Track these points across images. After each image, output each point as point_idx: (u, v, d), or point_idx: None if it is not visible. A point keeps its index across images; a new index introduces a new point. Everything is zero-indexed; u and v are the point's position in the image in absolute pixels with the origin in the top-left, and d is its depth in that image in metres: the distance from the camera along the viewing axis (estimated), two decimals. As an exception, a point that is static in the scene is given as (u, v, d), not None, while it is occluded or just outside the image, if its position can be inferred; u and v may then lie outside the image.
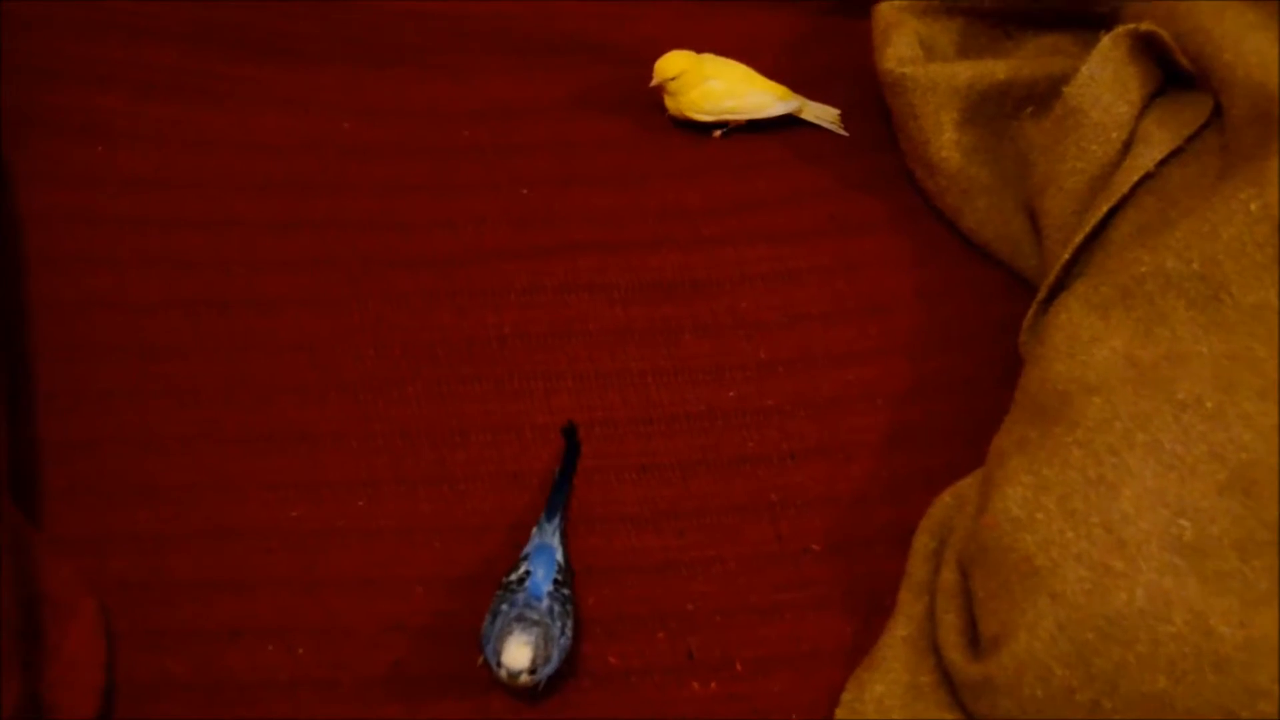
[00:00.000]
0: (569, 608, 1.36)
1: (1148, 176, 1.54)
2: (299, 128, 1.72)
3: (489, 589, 1.38)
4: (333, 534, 1.45)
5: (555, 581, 1.36)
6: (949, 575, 1.39)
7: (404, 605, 1.41)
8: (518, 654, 1.31)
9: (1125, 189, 1.53)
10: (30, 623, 1.32)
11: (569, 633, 1.35)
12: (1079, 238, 1.53)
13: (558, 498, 1.44)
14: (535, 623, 1.32)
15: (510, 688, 1.35)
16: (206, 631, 1.39)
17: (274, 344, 1.56)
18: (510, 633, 1.31)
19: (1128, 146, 1.57)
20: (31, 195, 1.63)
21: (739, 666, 1.40)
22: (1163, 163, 1.55)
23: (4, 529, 1.31)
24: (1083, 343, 1.44)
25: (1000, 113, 1.67)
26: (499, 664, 1.31)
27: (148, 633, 1.38)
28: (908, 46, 1.69)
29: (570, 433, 1.47)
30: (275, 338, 1.56)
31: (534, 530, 1.41)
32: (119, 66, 1.74)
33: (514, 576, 1.37)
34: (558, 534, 1.41)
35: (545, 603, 1.35)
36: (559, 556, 1.39)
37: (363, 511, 1.46)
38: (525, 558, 1.38)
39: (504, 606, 1.34)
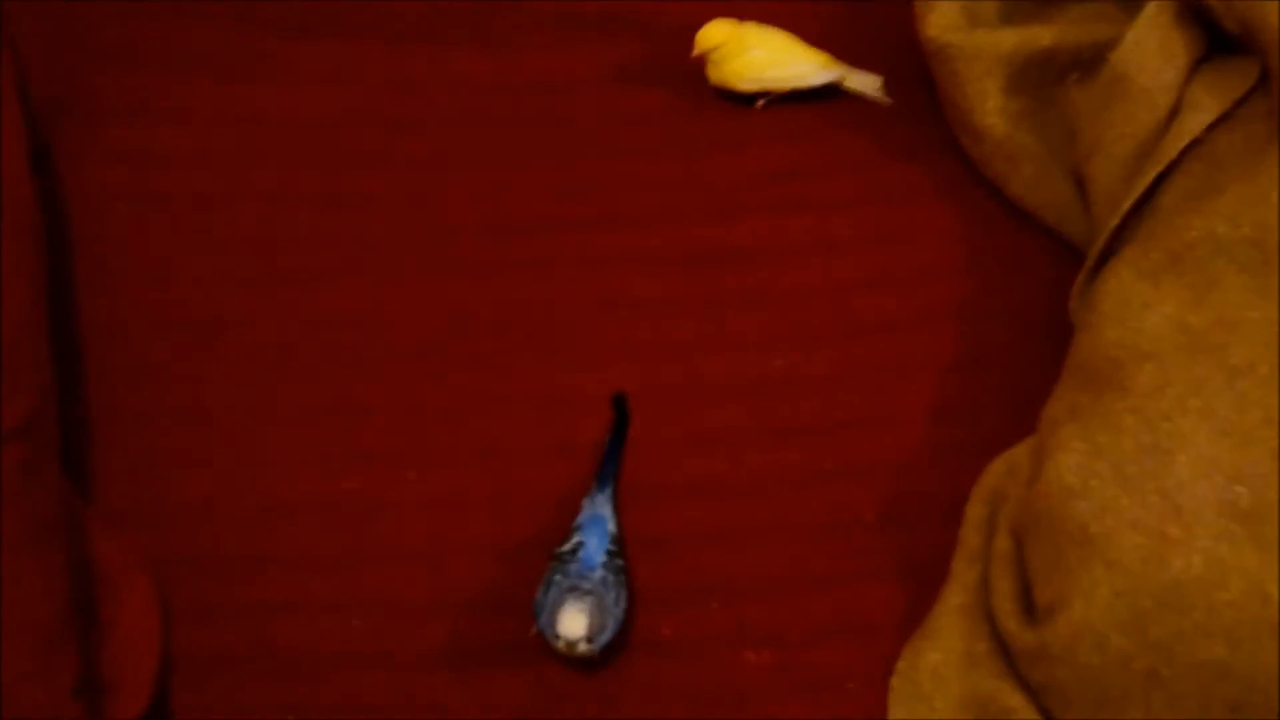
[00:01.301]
0: (623, 577, 1.36)
1: (1196, 142, 1.53)
2: (342, 102, 1.72)
3: (541, 560, 1.38)
4: (384, 506, 1.45)
5: (609, 552, 1.36)
6: (1003, 543, 1.39)
7: (457, 577, 1.42)
8: (573, 622, 1.31)
9: (1173, 155, 1.52)
10: (85, 598, 1.32)
11: (623, 602, 1.35)
12: (1128, 204, 1.52)
13: (608, 468, 1.44)
14: (588, 592, 1.33)
15: (567, 657, 1.34)
16: (260, 606, 1.39)
17: (322, 317, 1.56)
18: (564, 603, 1.31)
19: (1175, 112, 1.56)
20: (76, 175, 1.63)
21: (792, 637, 1.40)
22: (1211, 128, 1.53)
23: (59, 503, 1.32)
24: (1134, 309, 1.43)
25: (1045, 79, 1.66)
26: (555, 634, 1.31)
27: (202, 607, 1.39)
28: (951, 13, 1.68)
29: (620, 403, 1.47)
30: (323, 311, 1.57)
31: (584, 501, 1.41)
32: (161, 45, 1.74)
33: (566, 547, 1.37)
34: (609, 504, 1.41)
35: (599, 573, 1.35)
36: (611, 527, 1.38)
37: (414, 483, 1.46)
38: (577, 528, 1.38)
39: (557, 577, 1.35)
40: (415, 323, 1.56)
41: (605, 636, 1.33)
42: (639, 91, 1.75)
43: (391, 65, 1.76)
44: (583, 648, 1.31)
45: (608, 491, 1.41)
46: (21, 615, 1.22)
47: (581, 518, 1.39)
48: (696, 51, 1.71)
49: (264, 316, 1.56)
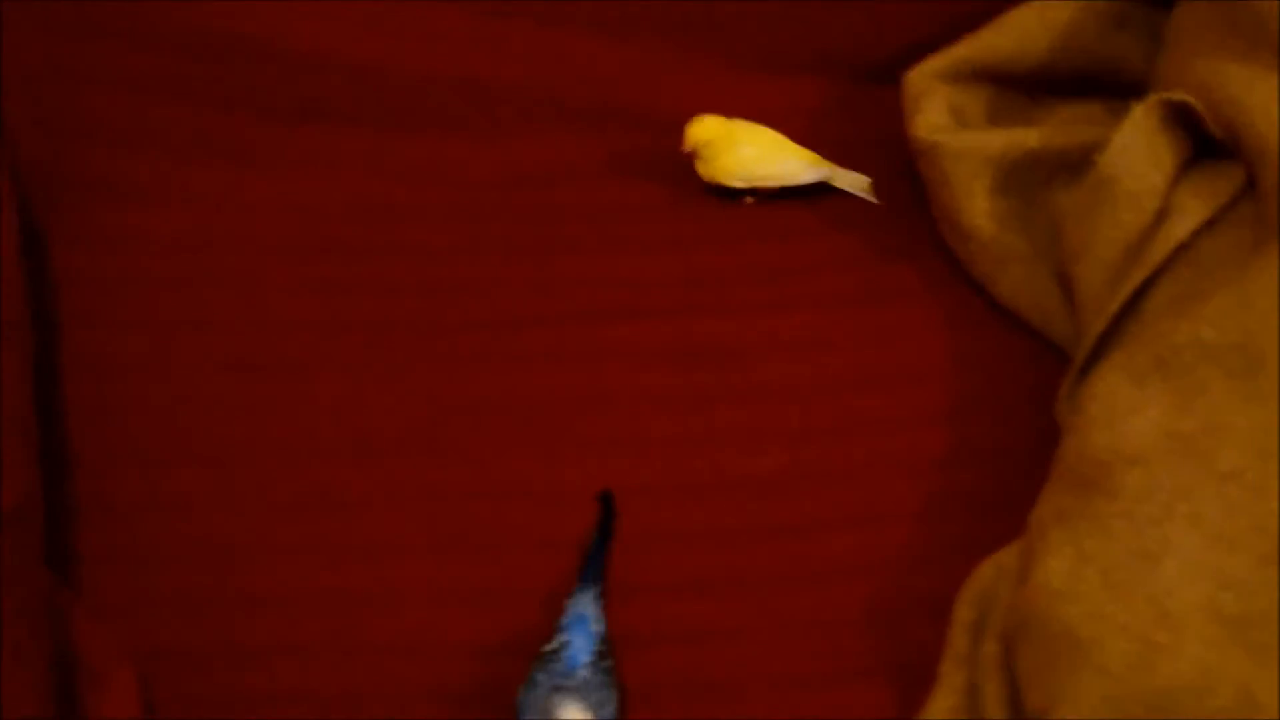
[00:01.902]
0: (611, 678, 1.35)
1: (1182, 246, 1.53)
2: (330, 190, 1.71)
3: (524, 657, 1.37)
4: (365, 599, 1.44)
5: (595, 652, 1.35)
6: (991, 647, 1.38)
7: (438, 672, 1.40)
8: (573, 712, 1.30)
9: (1160, 259, 1.53)
10: (68, 691, 1.30)
11: (612, 704, 1.34)
12: (1114, 307, 1.52)
13: (593, 566, 1.43)
14: (574, 689, 1.31)
15: None
16: (242, 698, 1.37)
17: (307, 407, 1.55)
18: (555, 701, 1.30)
19: (1161, 215, 1.57)
20: (64, 257, 1.62)
21: (777, 739, 1.39)
22: (1197, 232, 1.54)
23: (42, 594, 1.30)
24: (1120, 413, 1.43)
25: (1033, 181, 1.67)
26: None
27: (186, 700, 1.37)
28: (939, 114, 1.70)
29: (606, 501, 1.46)
30: (308, 401, 1.56)
31: (567, 600, 1.40)
32: (151, 129, 1.74)
33: (551, 647, 1.36)
34: (595, 603, 1.39)
35: (582, 673, 1.33)
36: (596, 626, 1.37)
37: (395, 577, 1.45)
38: (562, 628, 1.37)
39: (540, 676, 1.33)
40: (399, 414, 1.55)
41: None
42: (629, 184, 1.76)
43: (380, 153, 1.76)
44: None
45: (592, 590, 1.40)
46: (2, 708, 1.20)
47: (566, 617, 1.38)
48: (686, 146, 1.71)
49: (249, 405, 1.55)
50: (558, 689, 1.31)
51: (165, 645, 1.40)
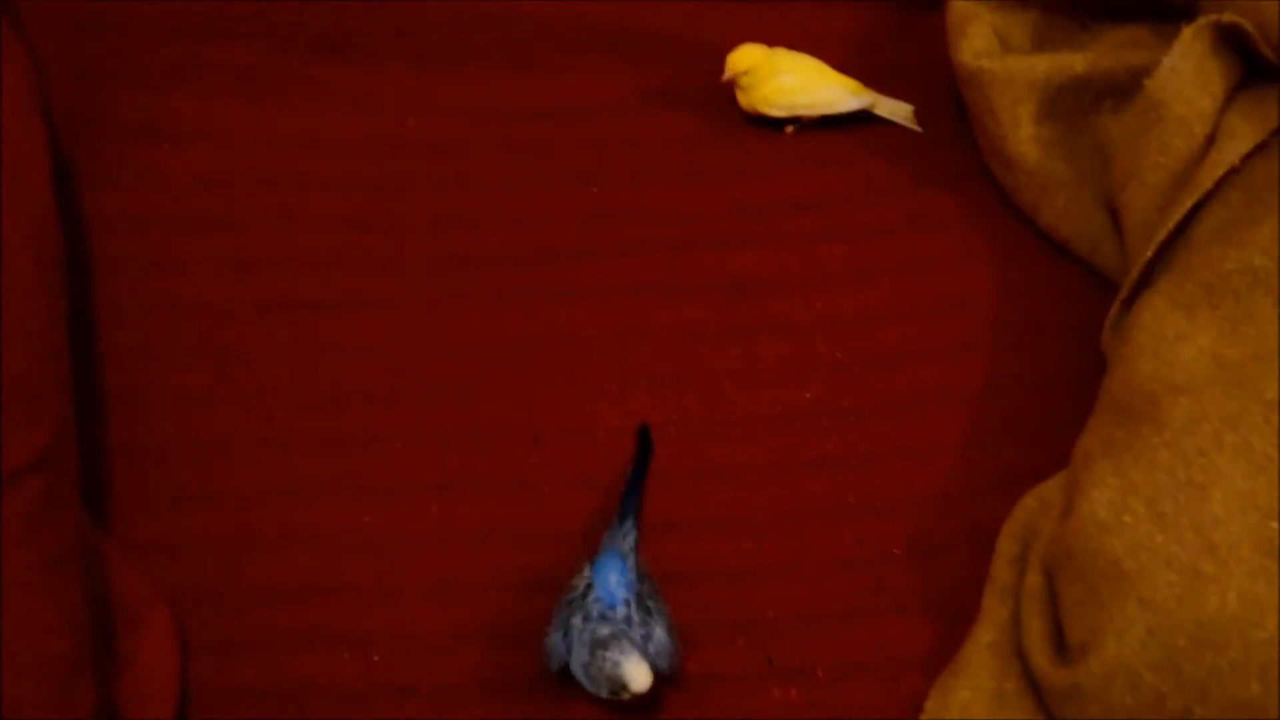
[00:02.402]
0: (654, 615, 1.33)
1: (1233, 171, 1.51)
2: (366, 126, 1.71)
3: (562, 595, 1.38)
4: (406, 539, 1.44)
5: (636, 591, 1.33)
6: (1034, 580, 1.36)
7: (478, 611, 1.40)
8: (638, 671, 1.28)
9: (1209, 184, 1.50)
10: (103, 632, 1.31)
11: (660, 637, 1.32)
12: (1162, 234, 1.49)
13: (629, 502, 1.42)
14: (621, 634, 1.30)
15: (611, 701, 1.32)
16: (280, 639, 1.37)
17: (345, 346, 1.55)
18: (611, 650, 1.28)
19: (1210, 140, 1.54)
20: (98, 197, 1.62)
21: (820, 673, 1.38)
22: (1247, 157, 1.51)
23: (78, 535, 1.30)
24: (1168, 341, 1.41)
25: (1079, 106, 1.64)
26: (619, 686, 1.28)
27: (221, 641, 1.37)
28: (984, 39, 1.67)
29: (644, 435, 1.45)
30: (346, 340, 1.55)
31: (605, 536, 1.39)
32: (185, 67, 1.73)
33: (576, 584, 1.34)
34: (632, 536, 1.39)
35: (622, 610, 1.32)
36: (632, 561, 1.36)
37: (436, 516, 1.45)
38: (586, 568, 1.35)
39: (575, 620, 1.32)
40: (437, 352, 1.55)
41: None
42: (668, 116, 1.74)
43: (417, 88, 1.75)
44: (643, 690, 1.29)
45: (629, 524, 1.39)
46: (39, 649, 1.21)
47: (598, 556, 1.37)
48: (727, 76, 1.70)
49: (286, 345, 1.54)
50: (610, 637, 1.29)
51: (202, 586, 1.40)
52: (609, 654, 1.28)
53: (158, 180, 1.64)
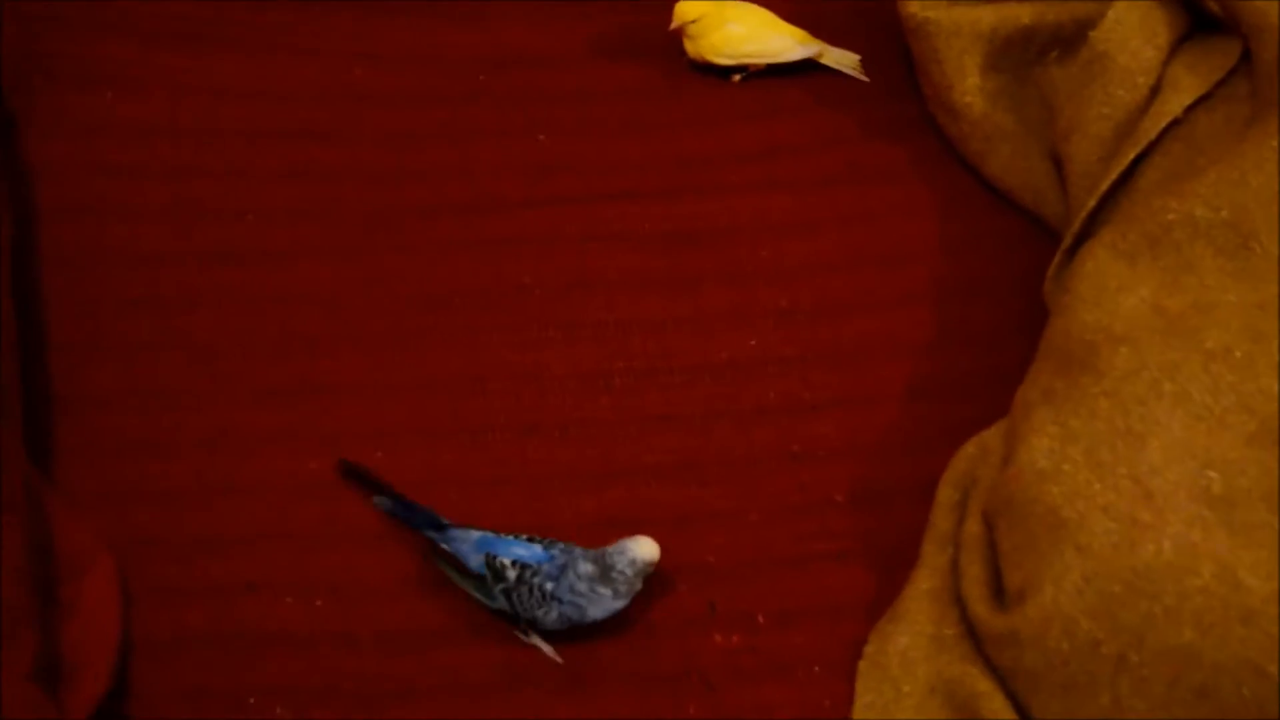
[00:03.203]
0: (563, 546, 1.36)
1: (1175, 123, 1.52)
2: (311, 75, 1.70)
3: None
4: (350, 487, 1.44)
5: (536, 541, 1.36)
6: (973, 527, 1.38)
7: (420, 560, 1.40)
8: (643, 546, 1.33)
9: (1153, 135, 1.51)
10: (46, 579, 1.31)
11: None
12: (1105, 185, 1.51)
13: (424, 518, 1.40)
14: (583, 562, 1.33)
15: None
16: (223, 586, 1.38)
17: (288, 295, 1.55)
18: (604, 576, 1.33)
19: (1155, 92, 1.55)
20: (39, 145, 1.61)
21: (761, 619, 1.39)
22: (1190, 108, 1.52)
23: (20, 484, 1.30)
24: (1109, 291, 1.42)
25: (1024, 57, 1.65)
26: (646, 565, 1.33)
27: (164, 588, 1.37)
28: (931, -11, 1.67)
29: (350, 472, 1.45)
30: (289, 289, 1.55)
31: (456, 547, 1.38)
32: (126, 14, 1.72)
33: (514, 583, 1.34)
34: (469, 531, 1.38)
35: (552, 555, 1.34)
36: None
37: (381, 463, 1.45)
38: (498, 563, 1.35)
39: (547, 604, 1.33)
40: (382, 301, 1.55)
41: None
42: (615, 66, 1.74)
43: (362, 37, 1.74)
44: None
45: (454, 530, 1.38)
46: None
47: (486, 551, 1.36)
48: (675, 25, 1.69)
49: (229, 294, 1.54)
50: (571, 581, 1.32)
51: (145, 534, 1.40)
52: (599, 583, 1.32)
53: (101, 129, 1.63)
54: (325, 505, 1.43)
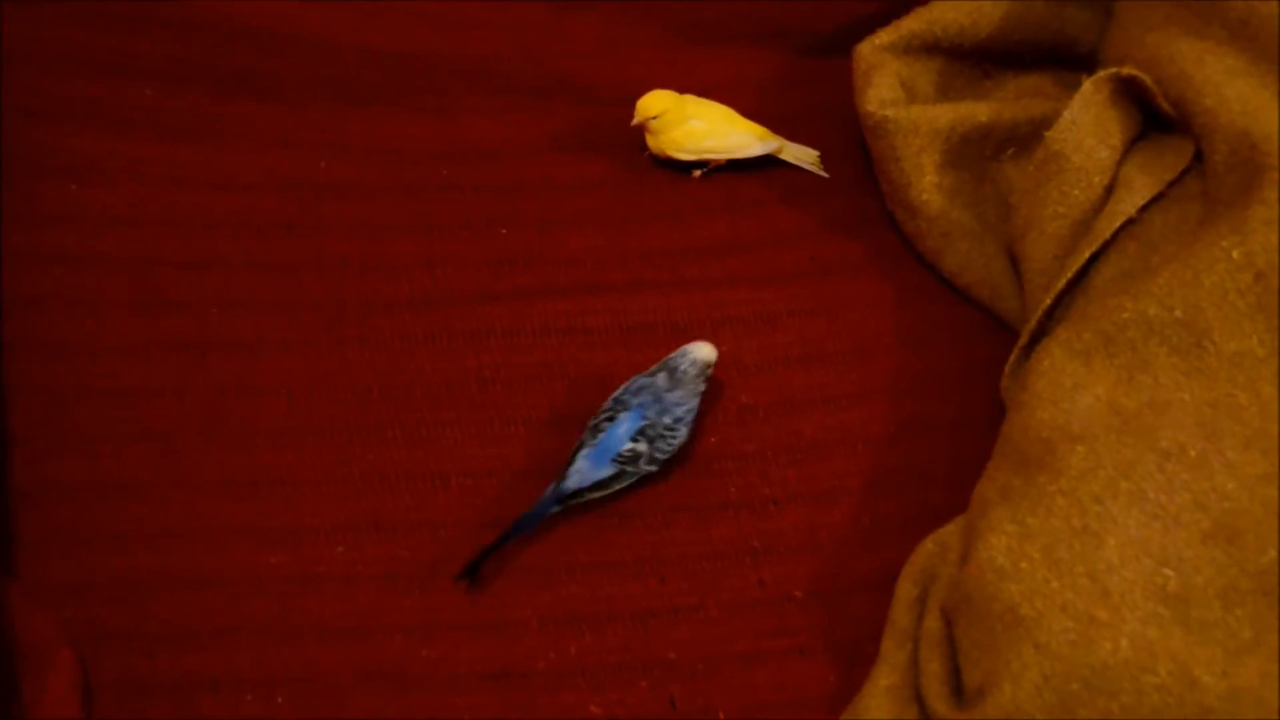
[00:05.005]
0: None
1: (1129, 222, 1.54)
2: (276, 166, 1.70)
3: (470, 636, 1.39)
4: (312, 580, 1.44)
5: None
6: (932, 624, 1.38)
7: (385, 654, 1.40)
8: (700, 348, 1.51)
9: (1107, 234, 1.53)
10: (7, 674, 1.30)
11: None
12: (1061, 283, 1.52)
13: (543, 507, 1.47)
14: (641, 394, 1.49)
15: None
16: (185, 681, 1.37)
17: (251, 387, 1.54)
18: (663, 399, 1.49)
19: (1109, 191, 1.57)
20: (5, 234, 1.61)
21: (722, 715, 1.39)
22: (1144, 208, 1.54)
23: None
24: (1065, 389, 1.43)
25: (981, 155, 1.67)
26: (706, 365, 1.51)
27: (125, 682, 1.37)
28: (889, 88, 1.69)
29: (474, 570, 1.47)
30: (252, 381, 1.55)
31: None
32: (94, 103, 1.71)
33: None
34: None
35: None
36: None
37: (342, 558, 1.45)
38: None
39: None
40: (344, 394, 1.55)
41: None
42: (577, 159, 1.75)
43: (329, 129, 1.74)
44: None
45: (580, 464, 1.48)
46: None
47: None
48: (636, 120, 1.71)
49: (191, 385, 1.54)
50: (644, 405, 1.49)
51: (106, 628, 1.39)
52: (675, 389, 1.49)
53: (65, 218, 1.63)
54: (286, 599, 1.42)
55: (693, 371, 1.49)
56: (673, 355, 1.50)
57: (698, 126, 1.71)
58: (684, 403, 1.49)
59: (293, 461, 1.50)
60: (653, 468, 1.49)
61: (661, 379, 1.49)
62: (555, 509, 1.46)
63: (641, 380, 1.50)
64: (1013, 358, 1.53)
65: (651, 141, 1.73)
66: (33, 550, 1.43)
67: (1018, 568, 1.33)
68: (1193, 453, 1.35)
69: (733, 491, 1.51)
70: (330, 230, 1.66)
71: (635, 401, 1.48)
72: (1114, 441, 1.37)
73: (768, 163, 1.75)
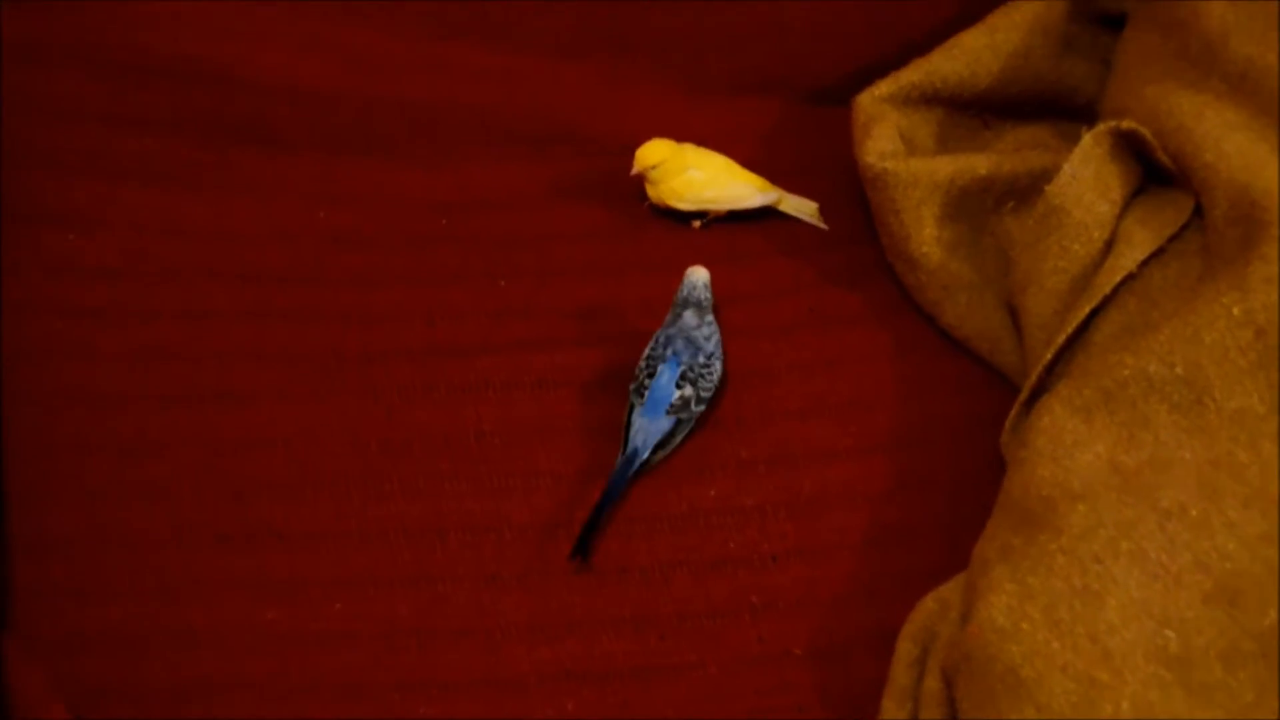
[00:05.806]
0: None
1: (1130, 277, 1.54)
2: (274, 216, 1.70)
3: (469, 694, 1.38)
4: (309, 636, 1.43)
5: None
6: (932, 683, 1.38)
7: (382, 711, 1.39)
8: (695, 272, 1.59)
9: (1107, 290, 1.53)
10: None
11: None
12: (1061, 338, 1.52)
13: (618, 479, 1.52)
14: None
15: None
16: (180, 737, 1.37)
17: (248, 439, 1.54)
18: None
19: (1109, 245, 1.57)
20: (1, 285, 1.60)
21: (721, 773, 1.39)
22: (1144, 263, 1.54)
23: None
24: (1066, 447, 1.43)
25: (981, 208, 1.67)
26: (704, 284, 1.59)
27: (120, 739, 1.36)
28: (889, 140, 1.69)
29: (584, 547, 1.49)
30: (250, 433, 1.54)
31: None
32: (91, 154, 1.72)
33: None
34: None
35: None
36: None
37: (339, 613, 1.44)
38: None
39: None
40: (341, 446, 1.54)
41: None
42: (577, 209, 1.75)
43: (327, 179, 1.74)
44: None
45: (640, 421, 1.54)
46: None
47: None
48: (636, 170, 1.71)
49: (189, 437, 1.53)
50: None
51: (101, 683, 1.38)
52: (699, 315, 1.57)
53: (62, 269, 1.63)
54: (282, 656, 1.41)
55: (707, 293, 1.58)
56: (681, 293, 1.58)
57: (697, 176, 1.71)
58: (711, 335, 1.57)
59: (290, 514, 1.49)
60: (701, 408, 1.55)
61: (688, 317, 1.57)
62: (631, 473, 1.52)
63: (666, 332, 1.57)
64: (1013, 413, 1.52)
65: (651, 191, 1.73)
66: (28, 603, 1.42)
67: (1018, 628, 1.32)
68: (1194, 512, 1.35)
69: (731, 547, 1.50)
70: (328, 281, 1.66)
71: (668, 352, 1.55)
72: (1115, 500, 1.37)
73: (767, 214, 1.75)
